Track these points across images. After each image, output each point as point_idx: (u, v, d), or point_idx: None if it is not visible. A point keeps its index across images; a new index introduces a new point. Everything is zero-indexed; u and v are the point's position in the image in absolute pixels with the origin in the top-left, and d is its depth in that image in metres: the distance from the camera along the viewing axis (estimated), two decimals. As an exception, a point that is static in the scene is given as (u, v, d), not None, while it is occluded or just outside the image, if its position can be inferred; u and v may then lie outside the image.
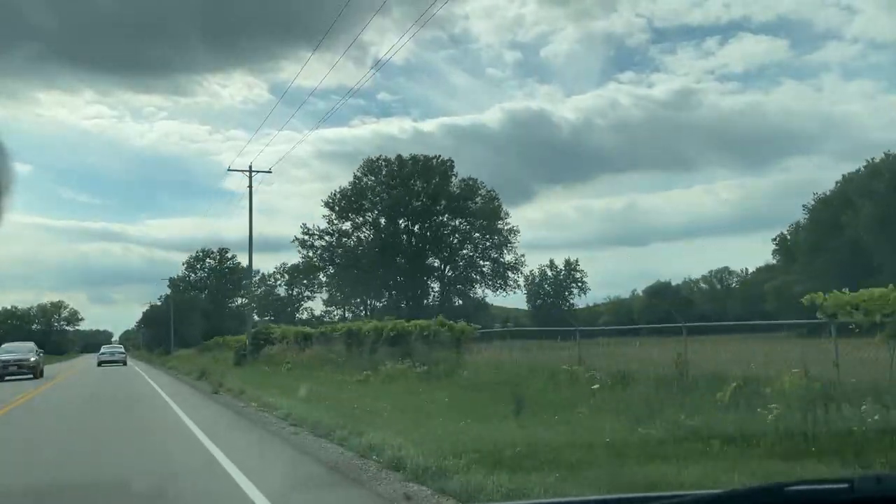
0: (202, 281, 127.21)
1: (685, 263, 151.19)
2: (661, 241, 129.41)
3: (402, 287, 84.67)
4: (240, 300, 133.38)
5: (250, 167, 37.55)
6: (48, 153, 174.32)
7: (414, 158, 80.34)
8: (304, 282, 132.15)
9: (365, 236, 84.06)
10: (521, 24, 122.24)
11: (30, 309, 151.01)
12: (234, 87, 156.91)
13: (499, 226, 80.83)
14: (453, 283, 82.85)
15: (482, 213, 79.68)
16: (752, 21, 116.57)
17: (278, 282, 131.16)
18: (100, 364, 53.90)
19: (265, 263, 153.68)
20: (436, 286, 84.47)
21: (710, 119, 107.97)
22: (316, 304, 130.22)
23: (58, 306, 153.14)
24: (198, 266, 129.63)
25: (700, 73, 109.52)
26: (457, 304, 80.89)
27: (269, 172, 37.98)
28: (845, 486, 2.34)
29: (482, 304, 78.33)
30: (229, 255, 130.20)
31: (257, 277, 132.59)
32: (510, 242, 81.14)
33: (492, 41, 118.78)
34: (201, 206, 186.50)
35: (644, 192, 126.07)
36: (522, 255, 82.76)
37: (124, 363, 56.41)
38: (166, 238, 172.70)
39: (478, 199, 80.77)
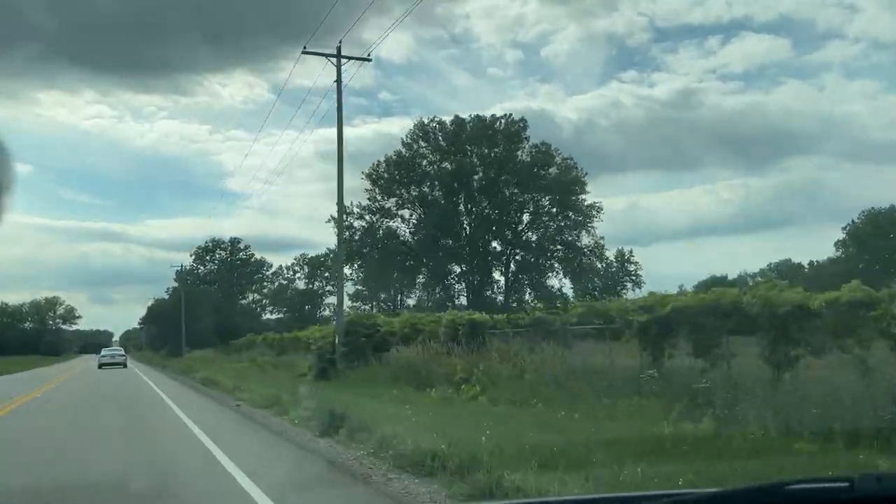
0: (212, 274, 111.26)
1: (688, 263, 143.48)
2: (662, 241, 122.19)
3: (459, 276, 69.71)
4: (251, 296, 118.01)
5: (338, 49, 22.67)
6: (48, 153, 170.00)
7: (477, 118, 65.04)
8: (326, 275, 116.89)
9: (414, 215, 68.85)
10: (522, 24, 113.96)
11: (22, 305, 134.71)
12: (235, 87, 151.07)
13: (575, 201, 65.42)
14: (523, 270, 67.58)
15: (558, 186, 64.40)
16: (754, 20, 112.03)
17: (297, 275, 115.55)
18: (100, 367, 54.78)
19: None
20: (496, 274, 69.35)
21: (712, 119, 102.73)
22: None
23: (52, 303, 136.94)
24: (207, 258, 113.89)
25: (702, 72, 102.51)
26: (528, 296, 65.96)
27: (369, 60, 23.36)
28: (846, 485, 2.27)
29: (559, 297, 63.09)
30: (241, 245, 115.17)
31: (270, 272, 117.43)
32: (590, 221, 65.86)
33: (493, 40, 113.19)
34: (202, 206, 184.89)
35: (645, 192, 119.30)
36: (601, 238, 67.40)
37: (124, 365, 57.56)
38: (166, 238, 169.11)
39: (552, 169, 65.58)
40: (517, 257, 67.92)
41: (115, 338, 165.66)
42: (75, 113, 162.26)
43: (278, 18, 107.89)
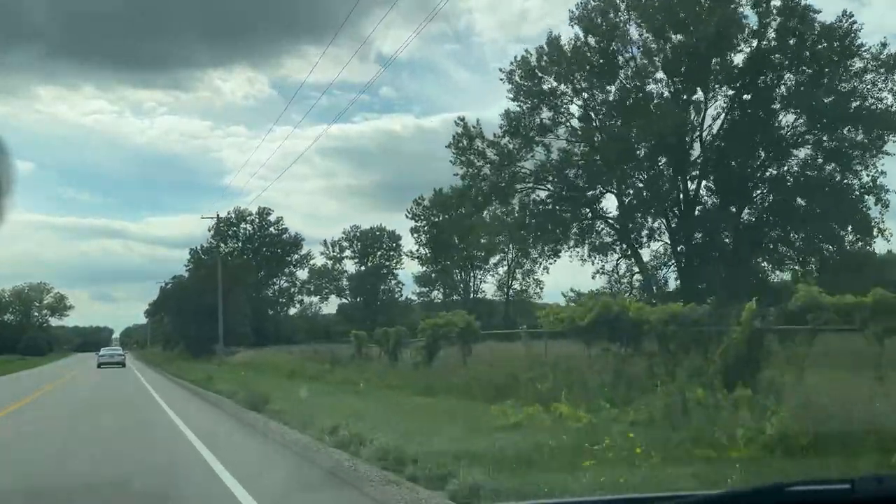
0: (234, 254, 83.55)
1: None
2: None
3: (649, 235, 43.60)
4: (278, 283, 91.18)
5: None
6: (48, 150, 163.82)
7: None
8: (379, 252, 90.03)
9: (581, 140, 42.55)
10: (525, 19, 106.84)
11: (1, 293, 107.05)
12: (235, 82, 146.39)
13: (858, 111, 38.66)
14: (771, 216, 40.87)
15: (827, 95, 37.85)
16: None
17: (344, 252, 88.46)
18: (99, 366, 54.92)
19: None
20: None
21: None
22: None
23: (39, 290, 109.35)
24: (229, 233, 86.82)
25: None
26: (773, 276, 39.72)
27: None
28: (846, 486, 2.24)
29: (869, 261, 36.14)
30: (272, 218, 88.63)
31: (303, 252, 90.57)
32: (883, 141, 39.00)
33: (496, 36, 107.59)
34: (203, 203, 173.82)
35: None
36: (882, 172, 40.00)
37: (122, 364, 57.58)
38: (167, 235, 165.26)
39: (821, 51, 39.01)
40: (759, 204, 41.54)
41: (115, 335, 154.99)
42: (75, 109, 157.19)
43: (278, 13, 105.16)
